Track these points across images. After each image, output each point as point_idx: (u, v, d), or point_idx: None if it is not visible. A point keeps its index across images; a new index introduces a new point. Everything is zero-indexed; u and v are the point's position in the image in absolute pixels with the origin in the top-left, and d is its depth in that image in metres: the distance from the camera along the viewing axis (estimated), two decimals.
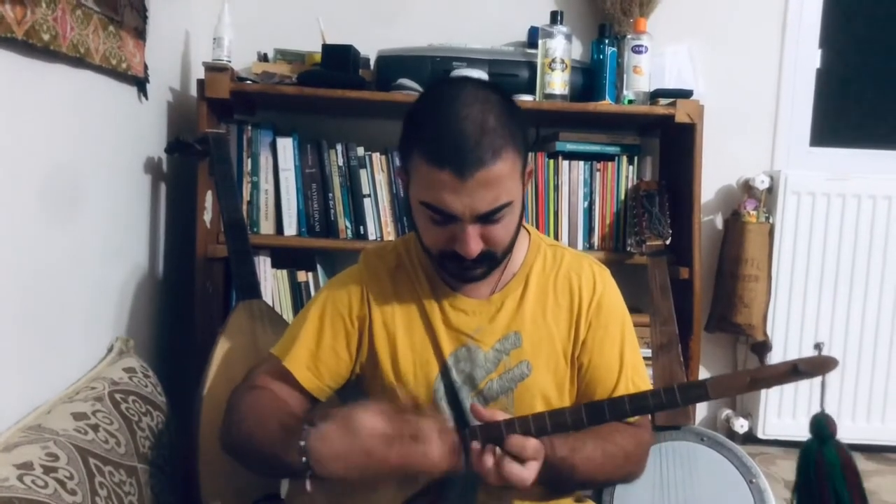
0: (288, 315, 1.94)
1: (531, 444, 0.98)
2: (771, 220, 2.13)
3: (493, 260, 1.10)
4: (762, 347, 0.97)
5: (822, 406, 0.97)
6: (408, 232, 1.95)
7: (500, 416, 1.01)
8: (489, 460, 0.99)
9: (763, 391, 2.15)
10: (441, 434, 0.98)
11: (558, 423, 1.01)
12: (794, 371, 0.92)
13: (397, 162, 1.97)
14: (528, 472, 0.99)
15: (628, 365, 1.19)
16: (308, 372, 1.18)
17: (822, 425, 0.97)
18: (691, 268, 1.94)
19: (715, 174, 2.16)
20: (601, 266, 1.24)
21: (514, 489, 1.16)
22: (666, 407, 0.96)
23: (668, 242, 1.89)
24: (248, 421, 1.12)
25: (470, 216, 1.03)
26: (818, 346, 0.94)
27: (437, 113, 1.04)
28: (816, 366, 0.92)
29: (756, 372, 0.96)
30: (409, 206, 1.12)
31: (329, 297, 1.21)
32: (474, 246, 1.04)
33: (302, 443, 1.00)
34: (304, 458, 0.99)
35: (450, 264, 1.10)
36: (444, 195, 1.01)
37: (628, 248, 2.01)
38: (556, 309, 1.19)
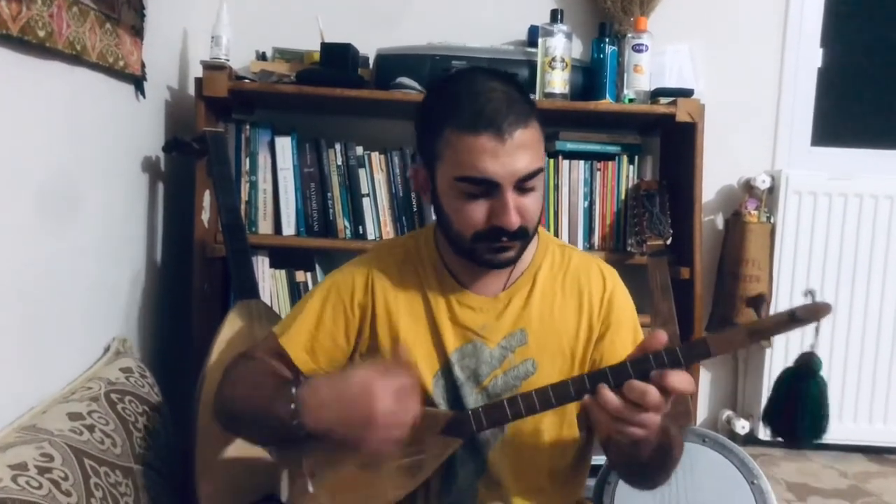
0: (286, 315, 1.93)
1: (651, 390, 0.93)
2: (772, 220, 2.12)
3: (525, 238, 1.11)
4: (758, 301, 0.97)
5: (813, 347, 1.00)
6: (413, 229, 1.95)
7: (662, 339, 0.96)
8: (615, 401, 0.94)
9: (765, 393, 2.14)
10: (415, 409, 1.00)
11: (562, 394, 1.01)
12: (792, 318, 0.92)
13: (407, 163, 1.97)
14: (656, 417, 0.95)
15: None
16: (304, 354, 1.18)
17: (812, 362, 1.01)
18: (692, 268, 1.93)
19: (716, 174, 2.15)
20: (609, 267, 1.24)
21: (513, 490, 1.16)
22: (667, 366, 0.94)
23: (668, 242, 1.88)
24: (243, 383, 1.15)
25: (510, 180, 1.04)
26: (811, 293, 0.96)
27: (462, 91, 1.07)
28: (812, 312, 0.92)
29: (754, 324, 0.96)
30: (436, 198, 1.12)
31: (334, 283, 1.21)
32: (515, 216, 1.05)
33: (294, 389, 1.02)
34: (293, 405, 1.01)
35: (484, 246, 1.09)
36: (484, 161, 1.03)
37: (629, 248, 2.00)
38: (563, 308, 1.18)
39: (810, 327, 0.93)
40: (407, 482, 1.10)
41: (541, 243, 1.21)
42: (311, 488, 1.12)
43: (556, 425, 1.18)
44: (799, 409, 1.03)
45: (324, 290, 1.21)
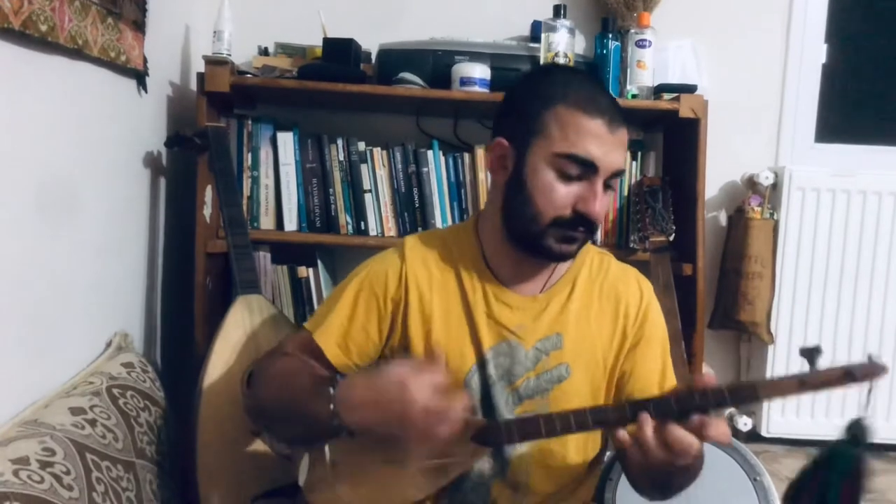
0: (288, 310, 1.93)
1: (696, 443, 0.92)
2: (775, 217, 2.12)
3: (594, 233, 1.14)
4: (814, 352, 0.94)
5: (867, 411, 0.96)
6: (416, 226, 1.95)
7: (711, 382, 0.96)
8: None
9: None
10: (462, 405, 0.96)
11: (601, 419, 0.99)
12: (847, 376, 0.91)
13: (409, 159, 1.96)
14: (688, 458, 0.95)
15: (668, 378, 1.19)
16: (337, 349, 1.17)
17: (859, 429, 0.97)
18: (695, 264, 1.92)
19: (719, 170, 2.14)
20: (646, 279, 1.25)
21: (530, 492, 1.16)
22: (712, 407, 0.93)
23: (671, 239, 1.88)
24: (280, 379, 1.14)
25: (606, 169, 1.07)
26: (870, 357, 0.93)
27: (577, 77, 1.12)
28: (868, 372, 0.91)
29: (806, 375, 0.93)
30: (518, 175, 1.10)
31: (367, 276, 1.20)
32: (601, 205, 1.07)
33: (332, 389, 1.01)
34: (331, 405, 1.00)
35: (557, 233, 1.09)
36: (591, 143, 1.05)
37: (631, 245, 1.99)
38: (600, 315, 1.18)
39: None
40: (428, 484, 1.09)
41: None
42: (331, 476, 1.12)
43: (584, 436, 1.18)
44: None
45: (357, 283, 1.20)
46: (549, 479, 1.17)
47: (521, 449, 1.15)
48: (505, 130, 1.14)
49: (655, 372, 1.18)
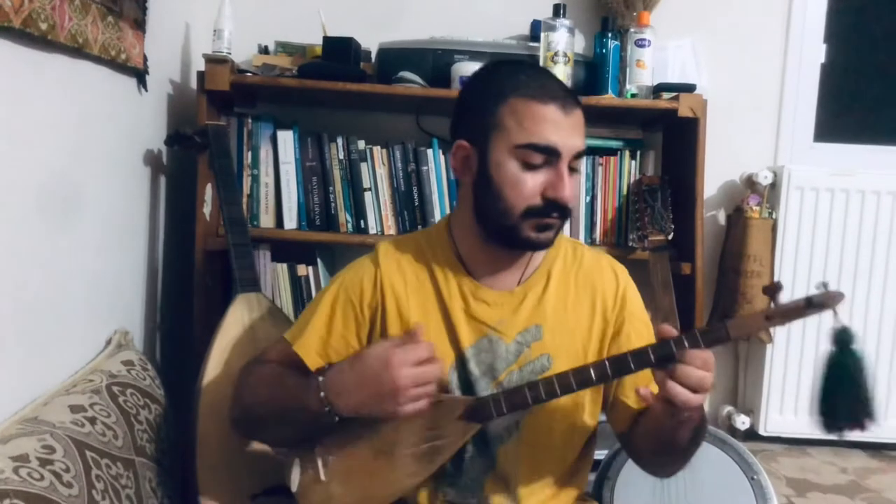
0: (288, 309, 1.93)
1: (708, 355, 0.99)
2: (774, 216, 2.12)
3: (568, 217, 1.15)
4: (775, 289, 0.98)
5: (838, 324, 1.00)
6: (415, 224, 1.95)
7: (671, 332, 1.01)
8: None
9: (765, 389, 2.15)
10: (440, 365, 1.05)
11: (583, 379, 1.03)
12: (809, 304, 0.95)
13: (409, 157, 1.97)
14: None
15: None
16: (318, 358, 1.18)
17: (846, 335, 1.01)
18: (693, 263, 1.92)
19: (718, 169, 2.15)
20: (620, 264, 1.26)
21: (520, 486, 1.17)
22: (688, 349, 0.97)
23: (670, 238, 1.88)
24: (265, 384, 1.17)
25: (568, 152, 1.08)
26: (824, 284, 0.98)
27: (525, 68, 1.14)
28: (827, 298, 0.95)
29: (773, 311, 0.98)
30: (484, 173, 1.11)
31: (342, 285, 1.21)
32: (570, 188, 1.09)
33: (320, 378, 1.07)
34: (322, 394, 1.06)
35: (531, 223, 1.10)
36: (548, 130, 1.07)
37: (630, 244, 1.99)
38: (577, 304, 1.19)
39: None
40: (422, 468, 1.11)
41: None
42: (323, 476, 1.12)
43: (569, 424, 1.19)
44: (834, 386, 1.03)
45: (332, 292, 1.21)
46: (538, 471, 1.18)
47: (506, 441, 1.16)
48: (463, 132, 1.16)
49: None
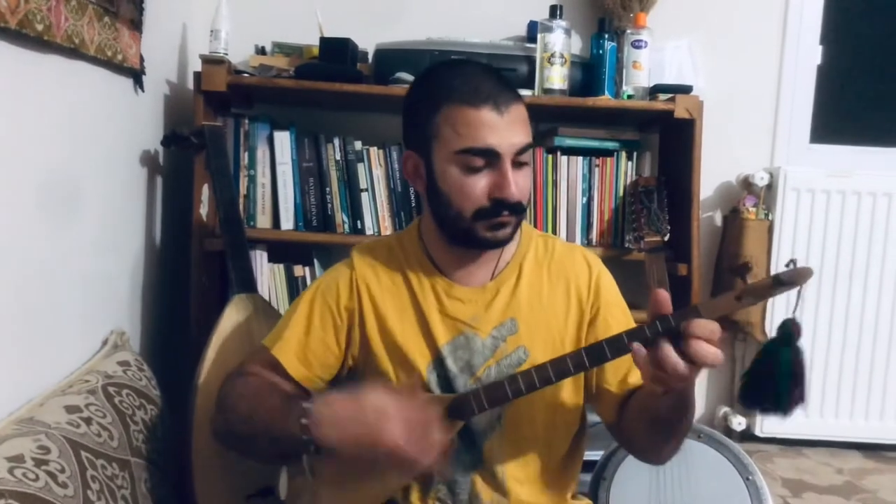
0: (284, 309, 1.93)
1: (716, 325, 0.95)
2: (770, 217, 2.12)
3: (522, 213, 1.14)
4: (743, 269, 0.98)
5: (794, 313, 1.00)
6: (404, 225, 1.95)
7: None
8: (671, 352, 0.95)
9: None
10: (440, 426, 0.99)
11: (561, 369, 1.03)
12: (777, 282, 0.94)
13: (392, 158, 1.97)
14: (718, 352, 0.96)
15: None
16: (298, 362, 1.18)
17: (788, 328, 1.00)
18: (690, 264, 1.93)
19: (714, 170, 2.15)
20: (592, 253, 1.27)
21: (508, 481, 1.17)
22: (663, 335, 0.96)
23: (666, 239, 1.88)
24: (246, 400, 1.14)
25: (509, 151, 1.08)
26: (793, 262, 0.97)
27: (456, 73, 1.12)
28: (795, 275, 0.94)
29: (742, 290, 0.98)
30: (432, 181, 1.13)
31: (319, 289, 1.22)
32: (515, 186, 1.08)
33: (306, 405, 1.02)
34: (303, 420, 1.01)
35: (484, 224, 1.11)
36: (485, 133, 1.07)
37: (626, 245, 2.00)
38: (551, 295, 1.20)
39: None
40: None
41: (524, 234, 1.23)
42: (312, 483, 1.12)
43: (551, 415, 1.19)
44: (773, 374, 1.01)
45: (309, 297, 1.22)
46: (524, 464, 1.18)
47: (491, 436, 1.17)
48: (410, 142, 1.18)
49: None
